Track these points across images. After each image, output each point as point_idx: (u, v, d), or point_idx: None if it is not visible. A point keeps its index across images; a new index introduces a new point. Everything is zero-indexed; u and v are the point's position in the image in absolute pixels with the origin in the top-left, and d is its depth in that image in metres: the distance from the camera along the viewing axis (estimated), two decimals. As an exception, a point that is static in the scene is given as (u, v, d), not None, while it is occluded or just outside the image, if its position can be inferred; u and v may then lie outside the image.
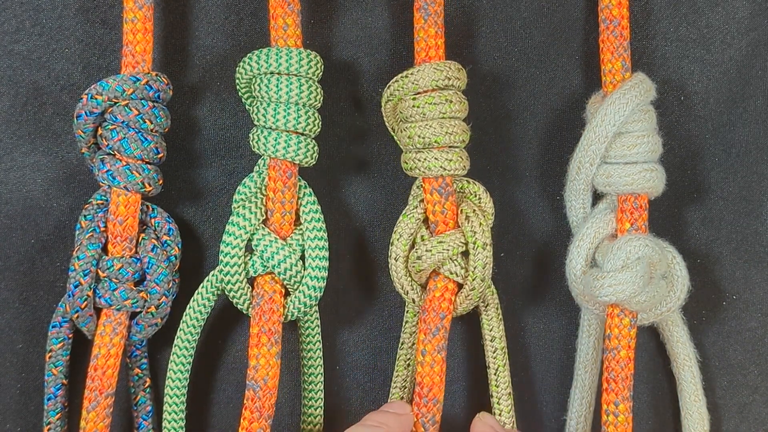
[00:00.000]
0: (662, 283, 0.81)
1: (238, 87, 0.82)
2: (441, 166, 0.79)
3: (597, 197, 0.83)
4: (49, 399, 0.83)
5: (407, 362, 0.84)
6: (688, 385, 0.84)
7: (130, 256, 0.81)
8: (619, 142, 0.80)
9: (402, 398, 0.84)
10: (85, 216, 0.81)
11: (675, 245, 0.83)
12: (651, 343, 0.87)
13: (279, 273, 0.80)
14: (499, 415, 0.83)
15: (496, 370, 0.83)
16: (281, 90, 0.79)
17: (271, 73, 0.79)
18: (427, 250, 0.79)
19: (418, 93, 0.79)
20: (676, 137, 0.86)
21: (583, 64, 0.86)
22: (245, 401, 0.79)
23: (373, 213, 0.87)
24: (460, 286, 0.80)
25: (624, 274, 0.78)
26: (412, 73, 0.79)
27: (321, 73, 0.81)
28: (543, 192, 0.87)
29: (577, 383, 0.85)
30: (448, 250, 0.79)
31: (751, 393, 0.88)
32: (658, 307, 0.82)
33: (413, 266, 0.80)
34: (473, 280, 0.79)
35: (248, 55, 0.80)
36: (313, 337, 0.85)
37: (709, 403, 0.85)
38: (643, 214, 0.81)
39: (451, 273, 0.79)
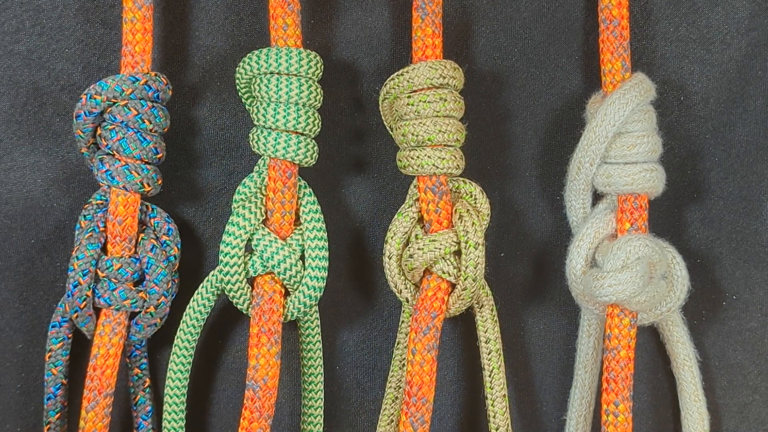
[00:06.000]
0: (662, 283, 0.81)
1: (237, 87, 0.82)
2: (434, 164, 0.79)
3: (597, 197, 0.83)
4: (48, 399, 0.83)
5: (402, 362, 0.84)
6: (688, 385, 0.84)
7: (130, 256, 0.81)
8: (619, 142, 0.80)
9: (396, 398, 0.84)
10: (84, 216, 0.81)
11: (675, 245, 0.83)
12: (651, 343, 0.87)
13: (279, 273, 0.80)
14: (494, 417, 0.83)
15: (491, 371, 0.83)
16: (281, 90, 0.79)
17: (271, 73, 0.79)
18: (419, 249, 0.79)
19: (414, 91, 0.79)
20: (676, 137, 0.86)
21: (583, 64, 0.86)
22: (245, 401, 0.79)
23: (373, 213, 0.87)
24: (453, 286, 0.80)
25: (624, 274, 0.78)
26: (407, 72, 0.79)
27: (321, 73, 0.81)
28: (543, 192, 0.87)
29: (577, 383, 0.85)
30: (440, 248, 0.79)
31: (751, 393, 0.88)
32: (658, 307, 0.82)
33: (406, 264, 0.80)
34: (465, 279, 0.79)
35: (248, 55, 0.80)
36: (313, 337, 0.85)
37: (709, 403, 0.85)
38: (643, 214, 0.81)
39: (444, 272, 0.79)
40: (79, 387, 0.82)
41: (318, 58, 0.80)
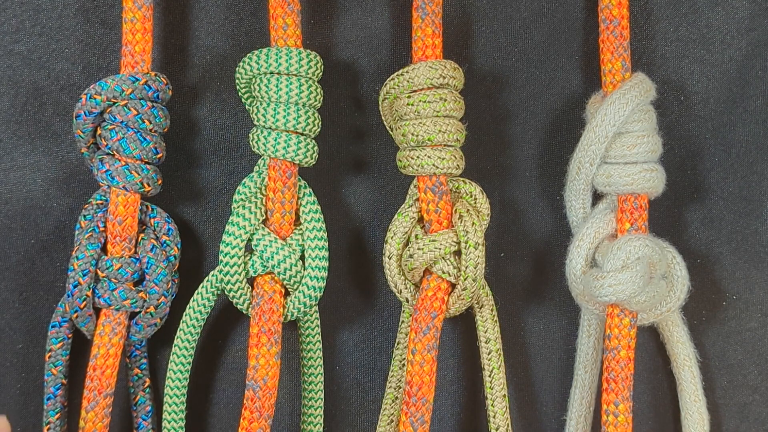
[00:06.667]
0: (662, 283, 0.81)
1: (237, 87, 0.82)
2: (434, 164, 0.79)
3: (597, 197, 0.83)
4: (48, 399, 0.83)
5: (402, 362, 0.84)
6: (688, 385, 0.84)
7: (130, 256, 0.81)
8: (619, 142, 0.80)
9: (396, 398, 0.84)
10: (84, 216, 0.82)
11: (675, 245, 0.83)
12: (651, 343, 0.87)
13: (279, 273, 0.80)
14: (494, 417, 0.83)
15: (491, 371, 0.83)
16: (281, 90, 0.79)
17: (271, 73, 0.79)
18: (419, 249, 0.79)
19: (414, 91, 0.79)
20: (676, 137, 0.86)
21: (583, 64, 0.86)
22: (245, 401, 0.79)
23: (372, 213, 0.87)
24: (453, 286, 0.80)
25: (624, 274, 0.78)
26: (407, 71, 0.79)
27: (321, 73, 0.81)
28: (543, 192, 0.87)
29: (577, 383, 0.85)
30: (440, 249, 0.79)
31: (751, 393, 0.88)
32: (658, 307, 0.82)
33: (406, 264, 0.80)
34: (465, 279, 0.79)
35: (248, 55, 0.80)
36: (313, 337, 0.85)
37: (709, 403, 0.85)
38: (643, 214, 0.81)
39: (444, 272, 0.79)
40: (79, 387, 0.82)
41: (318, 58, 0.80)
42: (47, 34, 0.84)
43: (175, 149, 0.84)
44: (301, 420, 0.86)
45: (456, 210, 0.80)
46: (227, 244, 0.80)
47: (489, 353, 0.83)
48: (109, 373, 0.80)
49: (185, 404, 0.84)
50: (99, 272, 0.80)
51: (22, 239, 0.85)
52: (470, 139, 0.81)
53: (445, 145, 0.79)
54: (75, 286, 0.80)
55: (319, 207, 0.81)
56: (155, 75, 0.80)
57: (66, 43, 0.84)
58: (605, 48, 0.81)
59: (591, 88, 0.85)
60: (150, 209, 0.82)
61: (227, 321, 0.87)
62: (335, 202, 0.86)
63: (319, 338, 0.85)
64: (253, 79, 0.80)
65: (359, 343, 0.88)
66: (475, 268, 0.79)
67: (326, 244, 0.81)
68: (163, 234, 0.82)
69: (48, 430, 0.83)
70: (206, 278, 0.82)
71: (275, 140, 0.79)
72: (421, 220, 0.81)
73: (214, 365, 0.87)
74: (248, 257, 0.80)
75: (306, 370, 0.85)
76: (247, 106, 0.83)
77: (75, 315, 0.80)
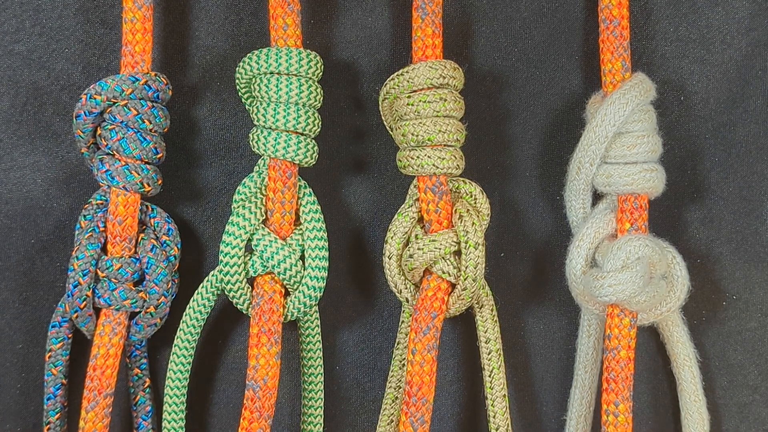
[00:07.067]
0: (662, 283, 0.81)
1: (237, 87, 0.82)
2: (434, 165, 0.79)
3: (597, 197, 0.83)
4: (48, 399, 0.83)
5: (402, 362, 0.84)
6: (688, 385, 0.84)
7: (130, 256, 0.81)
8: (619, 142, 0.80)
9: (396, 398, 0.84)
10: (84, 216, 0.82)
11: (675, 245, 0.83)
12: (651, 343, 0.87)
13: (279, 273, 0.80)
14: (494, 417, 0.83)
15: (491, 371, 0.83)
16: (281, 90, 0.79)
17: (271, 73, 0.79)
18: (419, 249, 0.79)
19: (414, 91, 0.79)
20: (676, 137, 0.86)
21: (583, 64, 0.86)
22: (245, 401, 0.79)
23: (373, 213, 0.87)
24: (453, 286, 0.80)
25: (624, 274, 0.78)
26: (407, 71, 0.79)
27: (321, 73, 0.81)
28: (543, 192, 0.87)
29: (577, 383, 0.85)
30: (440, 249, 0.79)
31: (751, 393, 0.88)
32: (658, 307, 0.82)
33: (406, 264, 0.80)
34: (465, 279, 0.79)
35: (248, 55, 0.80)
36: (313, 337, 0.85)
37: (709, 403, 0.85)
38: (643, 214, 0.81)
39: (444, 272, 0.79)
40: (79, 387, 0.82)
41: (318, 58, 0.80)
42: (47, 34, 0.84)
43: (175, 149, 0.84)
44: (301, 420, 0.86)
45: (456, 210, 0.80)
46: (227, 244, 0.80)
47: (489, 353, 0.83)
48: (109, 373, 0.80)
49: (185, 404, 0.84)
50: (99, 272, 0.80)
51: (22, 239, 0.85)
52: (470, 139, 0.81)
53: (445, 145, 0.79)
54: (75, 286, 0.80)
55: (319, 207, 0.81)
56: (155, 75, 0.80)
57: (66, 43, 0.84)
58: (605, 48, 0.81)
59: (591, 88, 0.85)
60: (150, 209, 0.82)
61: (227, 321, 0.87)
62: (335, 202, 0.86)
63: (319, 338, 0.85)
64: (253, 79, 0.80)
65: (359, 343, 0.88)
66: (475, 268, 0.79)
67: (326, 244, 0.81)
68: (163, 234, 0.82)
69: (48, 430, 0.83)
70: (206, 278, 0.82)
71: (275, 140, 0.79)
72: (421, 220, 0.81)
73: (214, 365, 0.87)
74: (248, 257, 0.80)
75: (306, 370, 0.85)
76: (247, 106, 0.83)
77: (75, 315, 0.80)
